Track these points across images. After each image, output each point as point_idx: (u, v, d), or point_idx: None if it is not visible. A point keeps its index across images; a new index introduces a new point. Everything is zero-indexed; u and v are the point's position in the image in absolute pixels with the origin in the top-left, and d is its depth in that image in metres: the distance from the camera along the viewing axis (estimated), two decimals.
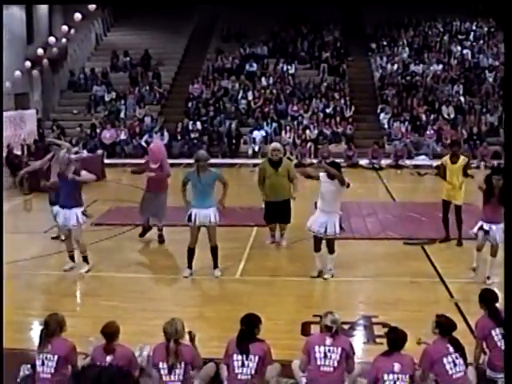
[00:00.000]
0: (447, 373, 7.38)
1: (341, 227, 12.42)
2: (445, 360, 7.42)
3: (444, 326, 7.68)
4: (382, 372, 7.27)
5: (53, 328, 7.71)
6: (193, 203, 12.21)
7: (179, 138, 31.11)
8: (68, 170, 12.40)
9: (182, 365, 7.51)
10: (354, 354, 7.82)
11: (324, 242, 12.21)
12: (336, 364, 7.57)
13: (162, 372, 7.52)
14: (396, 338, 7.50)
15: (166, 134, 31.22)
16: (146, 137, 31.04)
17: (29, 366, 7.97)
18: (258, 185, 14.58)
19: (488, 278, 11.57)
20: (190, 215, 12.13)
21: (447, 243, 14.38)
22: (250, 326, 7.74)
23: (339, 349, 7.61)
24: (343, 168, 22.83)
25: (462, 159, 14.12)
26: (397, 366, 7.25)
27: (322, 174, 12.05)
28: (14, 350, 9.03)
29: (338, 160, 26.25)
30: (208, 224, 12.14)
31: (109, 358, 7.55)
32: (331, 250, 12.19)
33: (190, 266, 12.40)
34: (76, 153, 23.99)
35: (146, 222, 15.07)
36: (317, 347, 7.65)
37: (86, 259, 12.80)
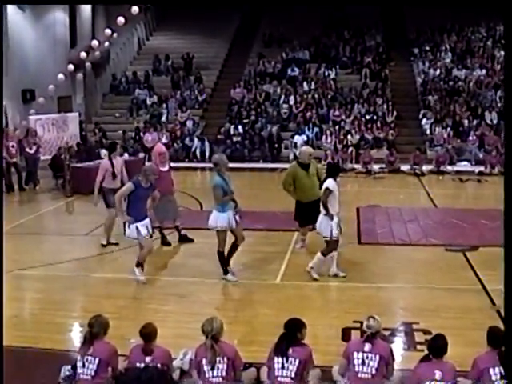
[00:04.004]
0: None
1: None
2: (491, 371, 7.26)
3: (493, 338, 7.52)
4: (423, 379, 7.18)
5: (97, 330, 7.73)
6: (227, 207, 12.10)
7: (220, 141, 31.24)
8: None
9: (225, 360, 7.52)
10: (393, 360, 7.77)
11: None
12: (374, 371, 7.52)
13: (204, 369, 7.53)
14: (438, 346, 7.39)
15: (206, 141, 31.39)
16: (187, 140, 31.22)
17: (69, 367, 8.03)
18: (284, 188, 14.40)
19: None
20: (229, 219, 12.06)
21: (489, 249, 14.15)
22: (291, 330, 7.69)
23: (377, 356, 7.56)
24: (384, 173, 22.59)
25: None
26: (438, 374, 7.15)
27: (332, 184, 12.03)
28: (54, 351, 9.13)
29: (379, 166, 26.55)
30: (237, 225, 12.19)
31: (148, 359, 7.58)
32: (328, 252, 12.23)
33: (226, 270, 12.39)
34: (120, 155, 24.20)
35: (163, 228, 15.10)
36: (355, 353, 7.61)
37: (142, 265, 12.42)
